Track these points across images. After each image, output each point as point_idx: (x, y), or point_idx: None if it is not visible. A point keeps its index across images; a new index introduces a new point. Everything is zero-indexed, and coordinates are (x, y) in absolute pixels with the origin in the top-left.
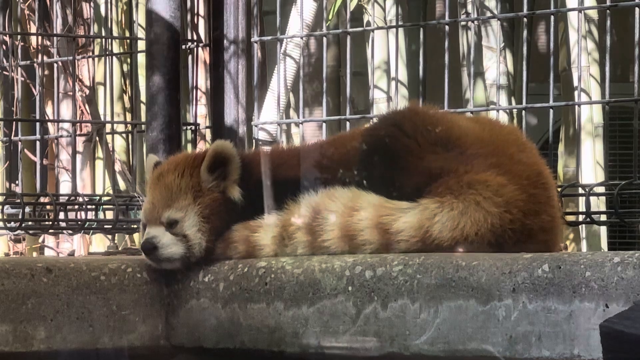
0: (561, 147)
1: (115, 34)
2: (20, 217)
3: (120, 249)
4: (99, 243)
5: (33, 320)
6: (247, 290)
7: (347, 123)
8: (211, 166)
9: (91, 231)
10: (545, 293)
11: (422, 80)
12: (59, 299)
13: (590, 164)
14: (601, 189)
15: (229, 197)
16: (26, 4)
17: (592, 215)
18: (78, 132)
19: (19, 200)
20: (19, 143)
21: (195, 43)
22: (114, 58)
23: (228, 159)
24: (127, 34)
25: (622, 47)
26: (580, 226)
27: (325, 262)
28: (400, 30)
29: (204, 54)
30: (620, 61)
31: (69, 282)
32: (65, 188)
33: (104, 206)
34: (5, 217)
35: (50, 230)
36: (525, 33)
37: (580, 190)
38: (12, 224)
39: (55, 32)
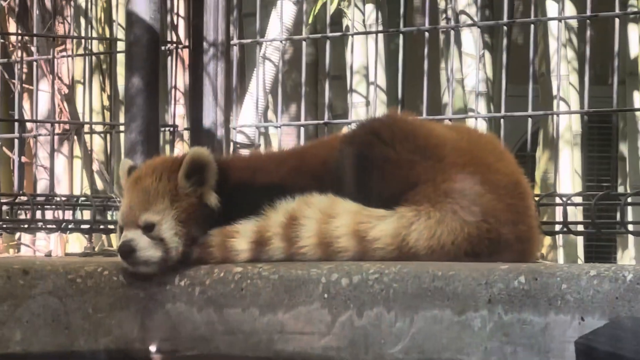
0: (539, 152)
1: (95, 32)
2: None
3: (97, 249)
4: (76, 242)
5: (9, 323)
6: (223, 295)
7: (325, 127)
8: (188, 173)
9: (68, 231)
10: (521, 305)
11: (401, 86)
12: (35, 301)
13: (568, 172)
14: (579, 199)
15: (205, 202)
16: (6, 3)
17: (569, 225)
18: (57, 131)
19: None
20: None
21: (175, 45)
22: (93, 57)
23: (205, 165)
24: (107, 33)
25: (600, 52)
26: (557, 235)
27: (302, 269)
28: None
29: (183, 55)
30: (599, 64)
31: (46, 284)
32: (42, 186)
33: (82, 206)
34: None
35: (28, 229)
36: (505, 41)
37: (558, 200)
38: None
39: (34, 30)
